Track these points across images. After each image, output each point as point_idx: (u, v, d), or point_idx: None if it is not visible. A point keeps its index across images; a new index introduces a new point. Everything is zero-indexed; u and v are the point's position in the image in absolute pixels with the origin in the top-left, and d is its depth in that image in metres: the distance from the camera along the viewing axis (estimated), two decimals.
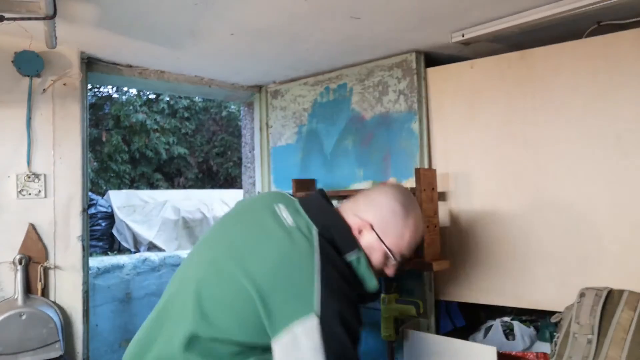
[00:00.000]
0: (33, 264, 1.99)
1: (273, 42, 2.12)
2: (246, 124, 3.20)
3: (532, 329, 2.27)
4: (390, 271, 1.31)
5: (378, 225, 1.25)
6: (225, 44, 2.11)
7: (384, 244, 1.25)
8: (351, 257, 1.21)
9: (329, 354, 1.04)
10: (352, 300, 1.13)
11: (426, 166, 2.25)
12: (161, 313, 1.23)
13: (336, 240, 1.20)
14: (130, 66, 2.41)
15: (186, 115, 12.87)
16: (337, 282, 1.11)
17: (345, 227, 1.24)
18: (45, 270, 2.02)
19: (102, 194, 9.97)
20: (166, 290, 1.29)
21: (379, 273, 1.30)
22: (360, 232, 1.26)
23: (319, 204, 1.29)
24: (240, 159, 4.29)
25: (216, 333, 1.11)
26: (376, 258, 1.26)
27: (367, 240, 1.25)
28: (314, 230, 1.19)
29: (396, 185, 1.35)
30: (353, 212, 1.28)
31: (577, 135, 1.90)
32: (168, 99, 12.39)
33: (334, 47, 2.21)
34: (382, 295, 2.17)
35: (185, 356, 1.11)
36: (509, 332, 2.26)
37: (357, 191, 2.36)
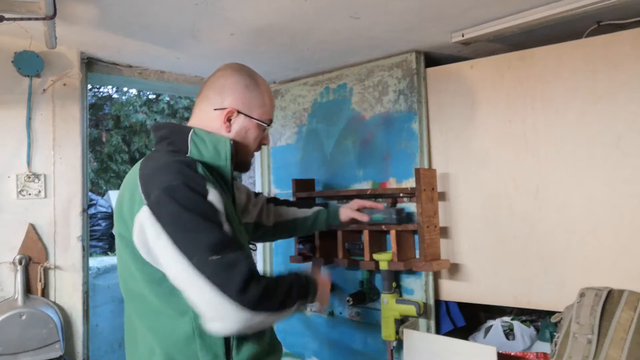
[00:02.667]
0: (33, 264, 1.99)
1: (273, 42, 2.12)
2: None
3: (532, 329, 2.27)
4: (266, 140, 1.43)
5: (240, 105, 1.32)
6: (225, 44, 2.11)
7: (255, 119, 1.33)
8: (190, 149, 1.25)
9: (166, 226, 1.09)
10: (185, 173, 1.15)
11: (426, 166, 2.25)
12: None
13: (175, 144, 1.26)
14: (130, 66, 2.41)
15: (186, 115, 12.84)
16: (159, 167, 1.17)
17: (177, 128, 1.30)
18: (45, 271, 2.02)
19: (102, 194, 9.97)
20: None
21: (258, 147, 1.40)
22: (229, 120, 1.31)
23: (166, 130, 1.33)
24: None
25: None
26: (253, 135, 1.35)
27: (238, 125, 1.32)
28: (153, 150, 1.31)
29: (229, 63, 1.40)
30: (211, 108, 1.32)
31: (577, 135, 1.90)
32: (168, 99, 12.39)
33: (334, 47, 2.21)
34: (382, 295, 2.17)
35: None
36: (509, 332, 2.26)
37: (357, 191, 2.37)
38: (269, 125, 1.38)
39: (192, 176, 1.15)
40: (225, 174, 1.27)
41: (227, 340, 1.17)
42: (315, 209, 1.94)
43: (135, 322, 1.26)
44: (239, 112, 1.31)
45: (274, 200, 1.94)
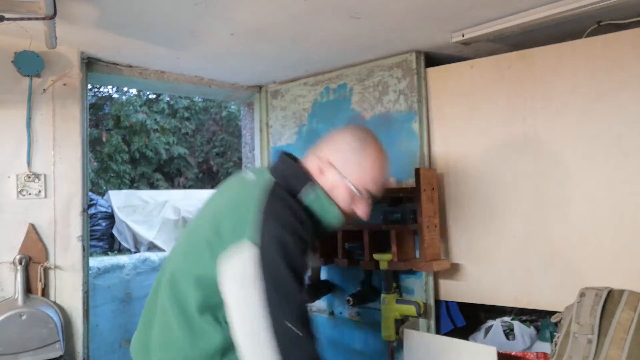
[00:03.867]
0: (33, 264, 1.99)
1: (273, 42, 2.12)
2: (246, 124, 3.20)
3: (532, 329, 2.27)
4: (361, 210, 1.30)
5: (337, 161, 1.27)
6: (225, 44, 2.11)
7: (346, 178, 1.26)
8: (306, 195, 1.24)
9: (264, 280, 1.06)
10: (298, 234, 1.13)
11: (426, 166, 2.25)
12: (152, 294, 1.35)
13: (291, 183, 1.24)
14: (130, 66, 2.41)
15: (186, 115, 12.87)
16: (282, 215, 1.14)
17: (299, 170, 1.29)
18: (46, 271, 2.02)
19: (102, 194, 9.97)
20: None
21: (350, 214, 1.31)
22: (321, 171, 1.28)
23: (282, 161, 1.34)
24: (240, 159, 4.29)
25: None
26: (341, 195, 1.26)
27: (329, 178, 1.27)
28: (272, 180, 1.24)
29: (354, 125, 1.38)
30: (314, 155, 1.32)
31: (577, 135, 1.90)
32: (168, 99, 12.39)
33: (334, 47, 2.21)
34: (382, 295, 2.17)
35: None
36: (509, 332, 2.26)
37: None
38: (362, 195, 1.27)
39: (301, 237, 1.13)
40: (311, 240, 1.22)
41: None
42: None
43: (169, 311, 1.22)
44: (331, 165, 1.27)
45: None
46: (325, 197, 1.25)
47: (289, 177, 1.27)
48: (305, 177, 1.27)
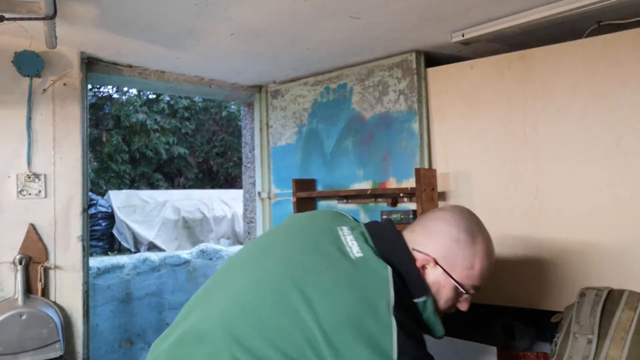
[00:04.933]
0: (33, 264, 1.99)
1: (273, 42, 2.12)
2: (246, 124, 3.20)
3: (532, 329, 2.27)
4: (464, 306, 1.19)
5: (442, 259, 1.12)
6: (225, 44, 2.11)
7: (452, 278, 1.11)
8: (419, 300, 1.09)
9: None
10: (425, 348, 1.02)
11: (426, 166, 2.25)
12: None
13: (407, 281, 1.08)
14: (130, 66, 2.41)
15: (186, 115, 12.88)
16: (413, 329, 1.00)
17: (415, 268, 1.11)
18: (46, 270, 2.02)
19: (102, 194, 9.98)
20: (195, 300, 1.15)
21: (450, 309, 1.18)
22: (423, 268, 1.12)
23: (389, 236, 1.16)
24: (240, 159, 4.29)
25: None
26: (445, 295, 1.13)
27: (432, 276, 1.12)
28: (388, 269, 1.04)
29: (456, 208, 1.21)
30: (412, 247, 1.15)
31: (577, 135, 1.90)
32: (168, 99, 12.39)
33: (334, 47, 2.21)
34: None
35: None
36: (509, 332, 2.26)
37: (357, 191, 2.37)
38: (469, 293, 1.15)
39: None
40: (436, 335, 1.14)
41: None
42: None
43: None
44: (436, 263, 1.12)
45: None
46: (435, 313, 1.11)
47: (404, 271, 1.08)
48: (423, 286, 1.10)
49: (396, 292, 1.00)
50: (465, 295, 1.15)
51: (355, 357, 0.93)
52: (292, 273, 1.05)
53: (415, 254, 1.13)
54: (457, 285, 1.12)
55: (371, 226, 1.19)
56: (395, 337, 0.94)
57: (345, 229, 1.15)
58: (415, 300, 1.08)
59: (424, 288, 1.10)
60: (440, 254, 1.12)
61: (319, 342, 0.94)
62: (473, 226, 1.17)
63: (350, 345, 0.93)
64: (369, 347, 0.93)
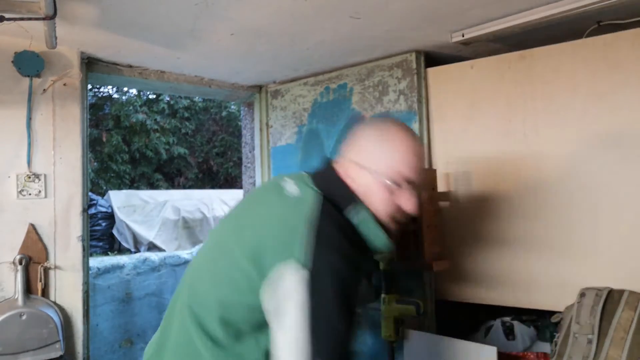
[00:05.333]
0: (33, 264, 1.99)
1: (273, 42, 2.12)
2: (246, 124, 3.20)
3: (532, 329, 2.27)
4: (405, 203, 1.12)
5: (363, 159, 1.11)
6: (225, 44, 2.11)
7: (377, 173, 1.10)
8: (351, 214, 1.09)
9: (310, 309, 0.97)
10: (353, 262, 1.02)
11: (426, 166, 2.25)
12: (169, 308, 1.24)
13: (335, 197, 1.10)
14: (130, 66, 2.41)
15: (186, 115, 12.87)
16: (336, 238, 1.02)
17: (339, 180, 1.13)
18: (46, 271, 2.02)
19: (102, 194, 9.97)
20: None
21: (398, 221, 1.14)
22: (351, 177, 1.12)
23: (322, 168, 1.20)
24: (240, 159, 4.29)
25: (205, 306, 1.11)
26: (380, 197, 1.10)
27: (361, 182, 1.11)
28: (312, 193, 1.10)
29: (374, 118, 1.24)
30: (339, 162, 1.18)
31: (577, 135, 1.90)
32: (168, 99, 12.39)
33: (334, 47, 2.21)
34: (382, 295, 2.17)
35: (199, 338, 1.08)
36: (509, 332, 2.26)
37: None
38: (401, 185, 1.10)
39: (356, 265, 1.03)
40: (365, 268, 1.14)
41: None
42: None
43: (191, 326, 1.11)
44: (361, 166, 1.11)
45: None
46: (371, 219, 1.10)
47: (333, 191, 1.11)
48: (350, 194, 1.11)
49: (321, 209, 1.05)
50: (401, 191, 1.11)
51: (275, 271, 1.00)
52: (234, 227, 1.17)
53: (337, 166, 1.16)
54: (385, 180, 1.10)
55: (316, 172, 1.22)
56: (312, 244, 0.99)
57: (290, 180, 1.18)
58: (346, 212, 1.09)
59: (350, 197, 1.10)
60: (360, 156, 1.13)
61: (250, 271, 1.04)
62: (387, 124, 1.16)
63: (272, 263, 1.01)
64: (285, 259, 1.00)
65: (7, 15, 1.50)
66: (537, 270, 1.98)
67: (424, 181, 1.14)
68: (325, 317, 0.97)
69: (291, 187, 1.14)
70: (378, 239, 1.11)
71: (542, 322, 2.26)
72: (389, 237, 1.12)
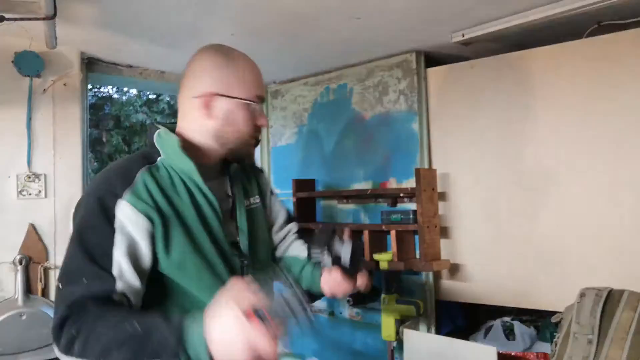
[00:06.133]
0: (33, 264, 1.99)
1: (273, 42, 2.12)
2: None
3: (532, 329, 2.27)
4: (262, 120, 1.18)
5: (218, 87, 1.14)
6: (225, 44, 2.11)
7: (237, 98, 1.14)
8: (161, 154, 1.11)
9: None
10: (99, 190, 1.03)
11: (426, 166, 2.25)
12: None
13: (150, 149, 1.14)
14: (130, 66, 2.41)
15: None
16: (89, 188, 1.09)
17: (151, 133, 1.17)
18: (46, 271, 2.02)
19: None
20: None
21: (254, 131, 1.19)
22: (208, 108, 1.13)
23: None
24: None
25: None
26: (241, 117, 1.14)
27: (221, 109, 1.13)
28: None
29: (204, 46, 1.27)
30: (188, 97, 1.17)
31: (577, 135, 1.90)
32: (168, 99, 12.38)
33: (334, 47, 2.21)
34: (382, 295, 2.17)
35: None
36: (509, 332, 2.26)
37: (357, 191, 2.37)
38: (256, 101, 1.16)
39: (112, 187, 1.02)
40: (192, 176, 1.10)
41: None
42: (311, 260, 1.32)
43: None
44: (216, 95, 1.13)
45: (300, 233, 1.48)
46: (164, 132, 1.15)
47: (147, 145, 1.18)
48: (154, 130, 1.17)
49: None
50: (255, 108, 1.17)
51: None
52: None
53: (194, 101, 1.14)
54: (245, 101, 1.14)
55: None
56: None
57: None
58: (157, 160, 1.11)
59: (154, 146, 1.13)
60: (212, 85, 1.14)
61: None
62: (225, 48, 1.24)
63: None
64: None
65: (7, 15, 1.50)
66: (537, 270, 1.98)
67: (263, 92, 1.22)
68: (69, 245, 1.01)
69: None
70: (169, 142, 1.12)
71: (542, 322, 2.26)
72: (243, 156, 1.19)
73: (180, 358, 0.81)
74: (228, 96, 1.14)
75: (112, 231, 0.97)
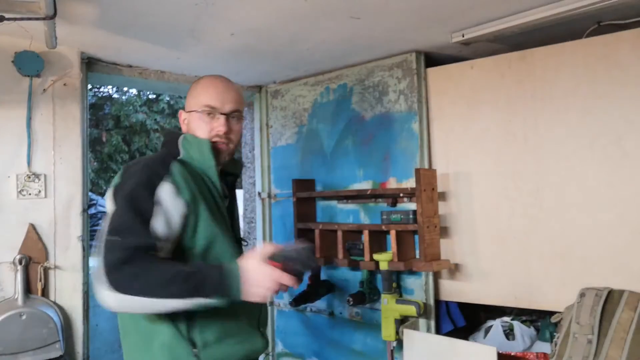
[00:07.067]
0: (33, 264, 1.99)
1: (273, 42, 2.12)
2: (246, 124, 3.20)
3: (532, 329, 2.27)
4: (217, 124, 1.37)
5: (185, 106, 1.45)
6: (225, 44, 2.11)
7: (191, 109, 1.40)
8: (182, 151, 1.35)
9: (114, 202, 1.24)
10: (149, 168, 1.27)
11: (426, 166, 2.25)
12: None
13: (170, 148, 1.37)
14: (130, 66, 2.41)
15: None
16: (135, 169, 1.29)
17: (174, 135, 1.40)
18: (46, 271, 2.02)
19: (102, 194, 9.96)
20: None
21: (223, 142, 1.39)
22: (182, 122, 1.45)
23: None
24: (240, 158, 4.28)
25: None
26: (195, 124, 1.38)
27: (184, 121, 1.43)
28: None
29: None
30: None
31: (577, 135, 1.90)
32: (168, 99, 12.38)
33: (334, 47, 2.21)
34: (382, 295, 2.17)
35: None
36: (509, 332, 2.26)
37: (357, 191, 2.37)
38: (200, 110, 1.38)
39: (156, 170, 1.25)
40: (208, 173, 1.33)
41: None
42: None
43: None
44: (181, 111, 1.43)
45: None
46: (190, 136, 1.37)
47: (167, 144, 1.41)
48: (178, 134, 1.39)
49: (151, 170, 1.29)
50: (209, 116, 1.38)
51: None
52: None
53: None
54: (193, 111, 1.39)
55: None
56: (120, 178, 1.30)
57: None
58: (182, 158, 1.33)
59: (176, 146, 1.36)
60: (185, 106, 1.45)
61: None
62: (204, 76, 1.49)
63: None
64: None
65: (7, 15, 1.50)
66: (537, 270, 1.98)
67: (219, 99, 1.41)
68: (118, 207, 1.22)
69: None
70: (201, 144, 1.34)
71: (542, 322, 2.26)
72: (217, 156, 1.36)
73: (225, 287, 1.12)
74: (186, 110, 1.43)
75: (154, 203, 1.20)
